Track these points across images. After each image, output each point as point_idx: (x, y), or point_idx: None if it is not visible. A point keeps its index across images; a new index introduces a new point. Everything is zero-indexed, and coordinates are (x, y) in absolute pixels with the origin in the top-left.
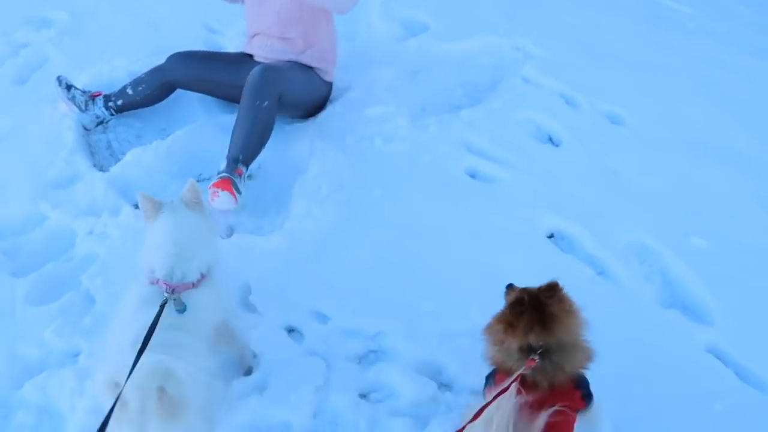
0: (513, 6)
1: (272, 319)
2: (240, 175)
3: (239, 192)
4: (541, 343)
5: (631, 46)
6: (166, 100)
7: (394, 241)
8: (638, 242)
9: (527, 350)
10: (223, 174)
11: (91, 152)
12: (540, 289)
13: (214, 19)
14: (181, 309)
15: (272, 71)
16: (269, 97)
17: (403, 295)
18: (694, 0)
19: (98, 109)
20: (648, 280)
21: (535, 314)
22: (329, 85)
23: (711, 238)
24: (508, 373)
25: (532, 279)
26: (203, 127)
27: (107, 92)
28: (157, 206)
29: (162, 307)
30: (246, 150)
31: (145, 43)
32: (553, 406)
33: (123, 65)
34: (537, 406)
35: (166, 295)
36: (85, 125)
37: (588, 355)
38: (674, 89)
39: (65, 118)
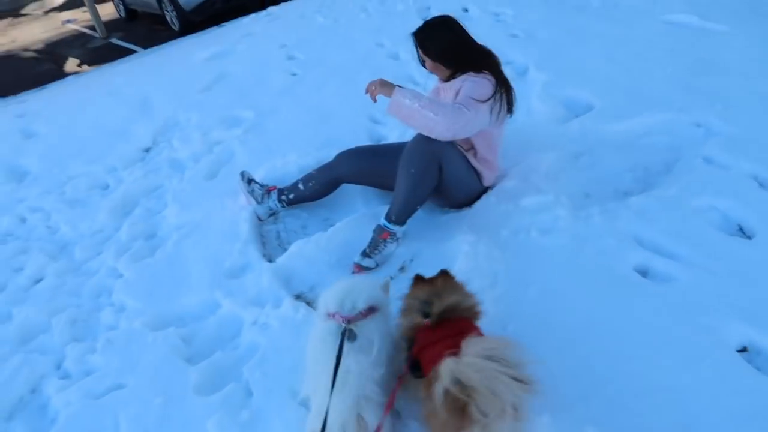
0: (692, 76)
1: None
2: (385, 239)
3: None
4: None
5: None
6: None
7: (552, 348)
8: None
9: (423, 306)
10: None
11: (263, 242)
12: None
13: (377, 110)
14: (353, 338)
15: (427, 141)
16: (420, 163)
17: (569, 417)
18: None
19: (272, 202)
20: None
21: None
22: (485, 189)
23: None
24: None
25: (722, 405)
26: (361, 219)
27: (281, 186)
28: None
29: (343, 335)
30: (392, 210)
31: (315, 137)
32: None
33: (294, 159)
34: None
35: (343, 325)
36: (259, 216)
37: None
38: None
39: (243, 210)
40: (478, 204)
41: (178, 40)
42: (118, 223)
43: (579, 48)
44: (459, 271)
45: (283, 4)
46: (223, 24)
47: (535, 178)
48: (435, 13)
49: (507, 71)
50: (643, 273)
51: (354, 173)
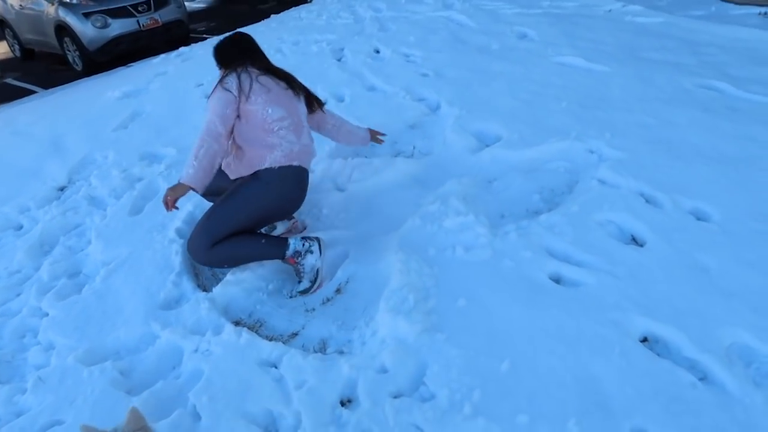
0: (583, 110)
1: None
2: (294, 264)
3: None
4: None
5: (708, 140)
6: None
7: (482, 349)
8: (741, 343)
9: None
10: None
11: (195, 274)
12: None
13: None
14: None
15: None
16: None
17: (496, 407)
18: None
19: None
20: (758, 384)
21: None
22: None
23: None
24: None
25: (630, 386)
26: None
27: None
28: None
29: None
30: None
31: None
32: None
33: None
34: None
35: None
36: None
37: None
38: (761, 181)
39: (173, 243)
40: (405, 226)
41: (84, 80)
42: (37, 262)
43: (484, 86)
44: (394, 287)
45: (193, 45)
46: (130, 64)
47: (454, 202)
48: (348, 54)
49: (421, 107)
50: (556, 280)
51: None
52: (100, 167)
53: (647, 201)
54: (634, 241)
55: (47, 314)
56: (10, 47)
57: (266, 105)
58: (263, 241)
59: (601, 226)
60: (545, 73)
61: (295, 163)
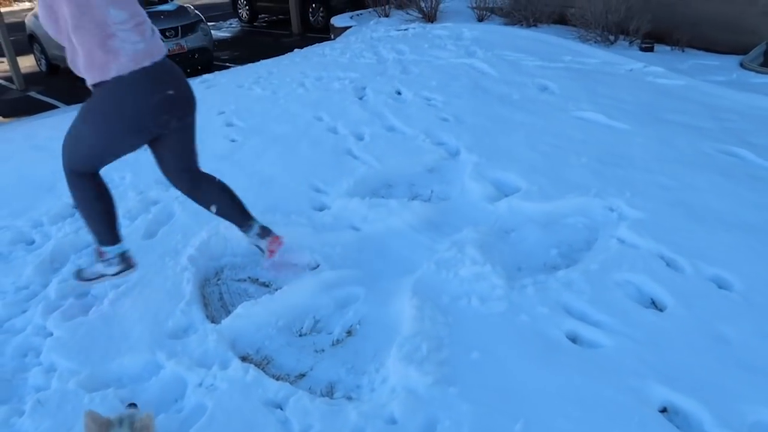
0: (603, 166)
1: None
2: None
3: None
4: None
5: (730, 207)
6: None
7: (495, 407)
8: (766, 423)
9: None
10: None
11: (205, 303)
12: None
13: (320, 179)
14: None
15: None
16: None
17: None
18: None
19: None
20: None
21: None
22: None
23: None
24: None
25: None
26: (308, 282)
27: None
28: (102, 428)
29: None
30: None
31: (257, 201)
32: None
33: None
34: None
35: None
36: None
37: None
38: None
39: (185, 270)
40: (420, 271)
41: None
42: (46, 279)
43: (504, 135)
44: (408, 334)
45: (216, 73)
46: None
47: (470, 251)
48: (370, 93)
49: (440, 151)
50: (573, 339)
51: None
52: (117, 187)
53: (667, 264)
54: (654, 304)
55: (51, 334)
56: (36, 61)
57: (108, 5)
58: (101, 219)
59: (619, 286)
60: (565, 127)
61: (146, 63)
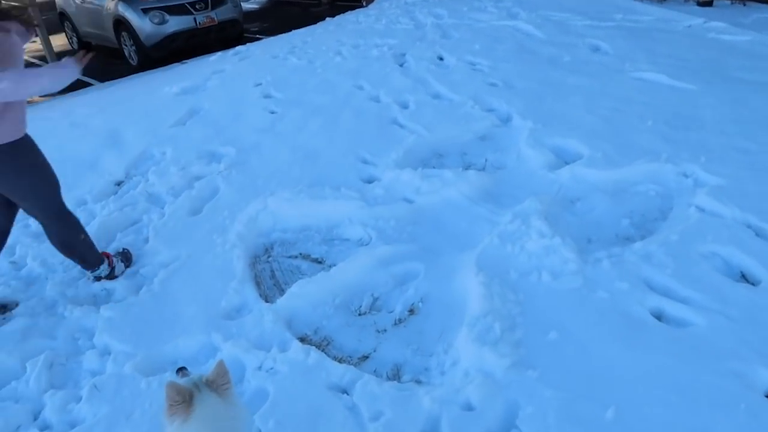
0: (671, 130)
1: None
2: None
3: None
4: None
5: None
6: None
7: (581, 393)
8: None
9: None
10: None
11: (257, 282)
12: None
13: (366, 150)
14: None
15: None
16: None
17: None
18: None
19: None
20: None
21: None
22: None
23: None
24: None
25: None
26: (363, 259)
27: None
28: (186, 397)
29: None
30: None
31: (303, 175)
32: None
33: (287, 196)
34: None
35: None
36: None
37: None
38: None
39: (234, 248)
40: (482, 245)
41: (140, 74)
42: None
43: (559, 99)
44: (477, 313)
45: (249, 44)
46: (185, 61)
47: (536, 222)
48: (410, 59)
49: (491, 118)
50: (658, 317)
51: None
52: (158, 163)
53: (757, 234)
54: (744, 278)
55: (104, 316)
56: (68, 39)
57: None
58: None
59: (705, 258)
60: (625, 89)
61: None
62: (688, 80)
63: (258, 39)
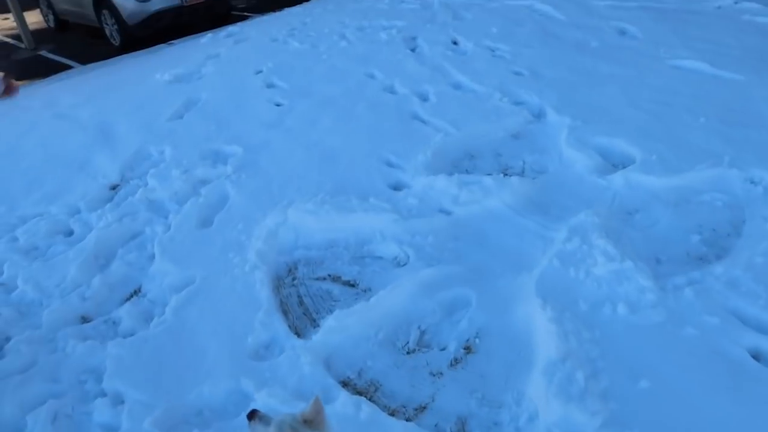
0: (728, 128)
1: None
2: None
3: None
4: None
5: None
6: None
7: None
8: None
9: None
10: None
11: (284, 311)
12: None
13: (389, 151)
14: None
15: None
16: None
17: None
18: None
19: None
20: None
21: None
22: None
23: None
24: None
25: None
26: (406, 286)
27: None
28: None
29: None
30: None
31: (323, 180)
32: None
33: (311, 208)
34: None
35: None
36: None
37: None
38: None
39: (256, 269)
40: (541, 269)
41: (124, 57)
42: (90, 278)
43: (595, 90)
44: (554, 358)
45: (241, 24)
46: (172, 42)
47: (599, 242)
48: (422, 43)
49: (523, 113)
50: (756, 357)
51: None
52: (157, 165)
53: None
54: None
55: (112, 352)
56: (44, 17)
57: None
58: None
59: None
60: (665, 79)
61: None
62: (734, 69)
63: (247, 17)
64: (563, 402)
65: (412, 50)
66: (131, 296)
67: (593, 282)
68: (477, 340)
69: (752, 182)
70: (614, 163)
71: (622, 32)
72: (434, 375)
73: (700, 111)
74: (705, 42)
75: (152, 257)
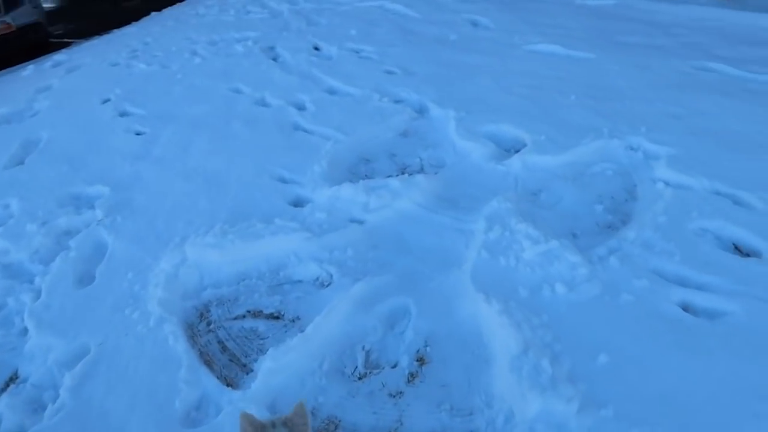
0: (597, 102)
1: None
2: None
3: None
4: None
5: (752, 128)
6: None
7: (670, 426)
8: None
9: None
10: None
11: (206, 362)
12: None
13: (280, 166)
14: None
15: None
16: None
17: None
18: None
19: None
20: None
21: None
22: None
23: None
24: None
25: None
26: (341, 308)
27: None
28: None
29: None
30: None
31: (217, 209)
32: None
33: (212, 241)
34: None
35: None
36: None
37: None
38: None
39: (164, 322)
40: (471, 262)
41: None
42: None
43: (467, 81)
44: (515, 351)
45: (67, 50)
46: None
47: (519, 226)
48: (282, 51)
49: (406, 110)
50: (686, 309)
51: None
52: (4, 222)
53: (735, 203)
54: (738, 250)
55: None
56: None
57: None
58: None
59: (702, 237)
60: (527, 64)
61: None
62: (584, 49)
63: (69, 43)
64: (538, 393)
65: (274, 60)
66: (7, 385)
67: (526, 267)
68: (428, 349)
69: (632, 149)
70: (506, 148)
71: (475, 24)
72: (394, 396)
73: (568, 90)
74: (552, 27)
75: (24, 332)
